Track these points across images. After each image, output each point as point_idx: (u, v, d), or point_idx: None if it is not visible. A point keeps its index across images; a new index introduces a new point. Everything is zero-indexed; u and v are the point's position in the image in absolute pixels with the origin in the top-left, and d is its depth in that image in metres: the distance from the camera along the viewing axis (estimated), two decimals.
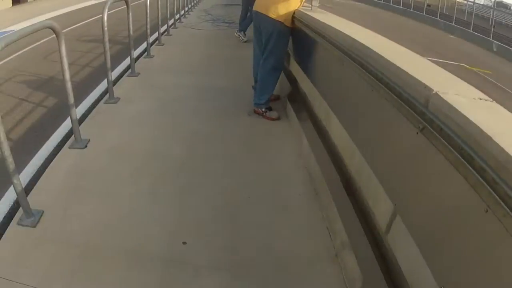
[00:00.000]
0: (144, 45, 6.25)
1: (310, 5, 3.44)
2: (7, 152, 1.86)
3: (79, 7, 19.67)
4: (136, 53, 5.65)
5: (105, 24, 3.74)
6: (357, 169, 2.05)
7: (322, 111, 2.82)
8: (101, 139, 3.06)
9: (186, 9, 10.84)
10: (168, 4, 7.75)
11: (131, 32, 4.82)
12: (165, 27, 7.63)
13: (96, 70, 6.23)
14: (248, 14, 7.24)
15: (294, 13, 3.32)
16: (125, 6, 4.52)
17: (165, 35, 7.32)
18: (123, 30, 9.29)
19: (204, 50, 6.50)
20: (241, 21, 7.41)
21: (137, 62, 5.25)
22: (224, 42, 7.26)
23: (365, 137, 1.93)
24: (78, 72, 6.11)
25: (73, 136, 2.99)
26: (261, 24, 3.44)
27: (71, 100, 2.81)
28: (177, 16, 9.10)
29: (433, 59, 2.88)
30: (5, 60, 7.65)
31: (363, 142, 1.95)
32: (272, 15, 3.29)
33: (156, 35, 7.10)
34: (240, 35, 7.27)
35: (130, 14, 4.75)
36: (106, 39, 3.81)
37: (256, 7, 3.48)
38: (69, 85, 2.78)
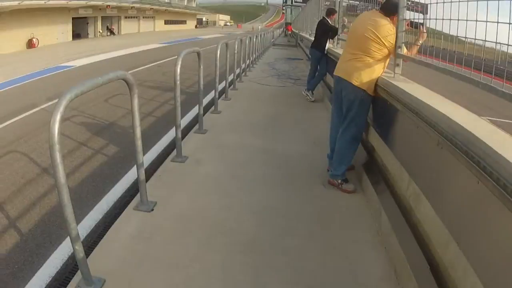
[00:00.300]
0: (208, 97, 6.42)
1: (393, 72, 3.32)
2: (70, 217, 1.82)
3: (140, 49, 21.32)
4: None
5: (178, 77, 3.86)
6: (451, 261, 1.85)
7: (408, 190, 2.62)
8: (168, 203, 3.04)
9: (248, 62, 11.16)
10: (235, 57, 8.02)
11: (201, 86, 4.98)
12: (231, 77, 7.79)
13: (160, 121, 6.46)
14: (317, 73, 7.34)
15: (377, 80, 3.23)
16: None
17: (231, 89, 7.55)
18: (186, 79, 9.85)
19: (272, 108, 6.57)
20: (309, 80, 7.47)
21: (204, 116, 5.30)
22: (291, 100, 7.31)
23: (466, 230, 1.75)
24: (140, 121, 6.43)
25: (138, 195, 2.97)
26: (343, 91, 3.36)
27: (140, 159, 2.78)
28: (242, 69, 9.43)
29: None
30: None
31: (463, 235, 1.76)
32: (355, 82, 3.20)
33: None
34: (308, 94, 7.30)
35: (202, 67, 4.89)
36: (178, 93, 3.93)
37: (338, 72, 3.43)
38: (139, 143, 2.75)
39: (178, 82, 3.83)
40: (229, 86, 7.40)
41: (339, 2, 7.12)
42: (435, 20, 2.81)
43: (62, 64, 15.27)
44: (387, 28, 3.08)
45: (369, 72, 3.17)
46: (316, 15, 11.42)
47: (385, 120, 3.23)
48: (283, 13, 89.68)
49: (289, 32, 42.53)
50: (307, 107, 6.86)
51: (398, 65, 3.32)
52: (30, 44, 32.87)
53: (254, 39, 11.69)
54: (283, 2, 75.11)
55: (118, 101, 7.57)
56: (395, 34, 3.11)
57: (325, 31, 7.06)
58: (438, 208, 2.09)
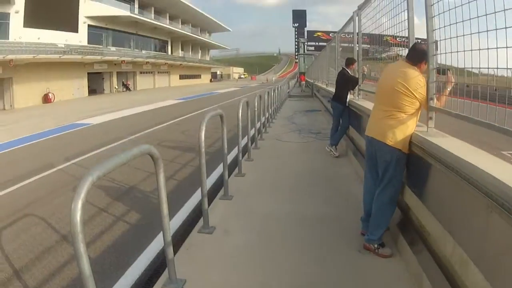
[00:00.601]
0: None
1: (426, 126, 3.24)
2: None
3: (157, 106, 21.78)
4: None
5: (203, 144, 3.84)
6: None
7: (453, 255, 2.46)
8: (199, 281, 2.92)
9: (268, 116, 11.23)
10: (255, 114, 8.05)
11: (225, 150, 4.94)
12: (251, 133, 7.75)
13: (182, 184, 6.41)
14: (340, 126, 7.30)
15: (411, 137, 3.16)
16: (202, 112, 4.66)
17: (253, 148, 7.54)
18: (205, 137, 9.81)
19: (297, 167, 6.50)
20: (332, 134, 7.40)
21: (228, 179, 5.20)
22: (315, 157, 7.24)
23: None
24: None
25: (166, 272, 2.86)
26: (378, 153, 3.29)
27: (168, 237, 2.71)
28: (263, 125, 9.47)
29: None
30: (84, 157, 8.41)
31: None
32: (390, 142, 3.12)
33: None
34: (332, 149, 7.22)
35: (225, 130, 4.86)
36: (203, 160, 3.88)
37: (370, 132, 3.37)
38: (166, 220, 2.69)
39: (203, 150, 3.84)
40: (251, 145, 7.39)
41: (357, 50, 7.11)
42: (444, 55, 2.86)
43: (79, 122, 15.71)
44: (417, 80, 3.03)
45: (403, 129, 3.11)
46: (332, 64, 11.57)
47: (422, 179, 3.11)
48: (296, 62, 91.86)
49: (303, 82, 43.18)
50: (333, 163, 6.78)
51: (431, 118, 3.24)
52: (46, 98, 34.05)
53: (272, 93, 11.83)
54: (295, 52, 77.43)
55: (138, 163, 7.54)
56: (425, 85, 3.07)
57: (346, 82, 7.11)
58: (491, 278, 1.91)
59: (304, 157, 7.31)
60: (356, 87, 7.13)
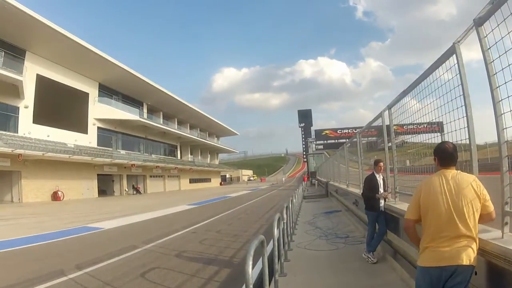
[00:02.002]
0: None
1: (501, 232, 3.02)
2: None
3: (170, 212, 21.29)
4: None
5: (250, 279, 3.30)
6: None
7: None
8: None
9: (292, 225, 10.73)
10: (285, 226, 7.57)
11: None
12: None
13: None
14: (377, 233, 6.86)
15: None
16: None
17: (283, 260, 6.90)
18: (224, 247, 9.40)
19: (334, 280, 5.90)
20: (369, 241, 6.94)
21: None
22: (351, 266, 6.64)
23: None
24: None
25: None
26: (453, 280, 2.82)
27: None
28: (288, 234, 8.88)
29: None
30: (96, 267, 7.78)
31: None
32: (466, 261, 2.78)
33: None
34: (369, 256, 6.73)
35: (266, 256, 4.35)
36: None
37: (436, 261, 2.88)
38: None
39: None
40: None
41: (392, 142, 6.85)
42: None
43: (89, 225, 15.33)
44: (482, 187, 2.92)
45: (475, 243, 2.86)
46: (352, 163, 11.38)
47: None
48: (304, 161, 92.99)
49: (315, 181, 43.10)
50: (373, 271, 6.20)
51: (507, 223, 3.08)
52: (55, 196, 34.24)
53: (294, 200, 11.46)
54: (303, 151, 78.80)
55: (156, 276, 7.06)
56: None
57: (373, 189, 6.94)
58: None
59: (339, 267, 6.65)
60: (387, 191, 6.95)
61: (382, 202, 6.85)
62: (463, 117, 3.77)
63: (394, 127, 6.74)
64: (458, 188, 2.90)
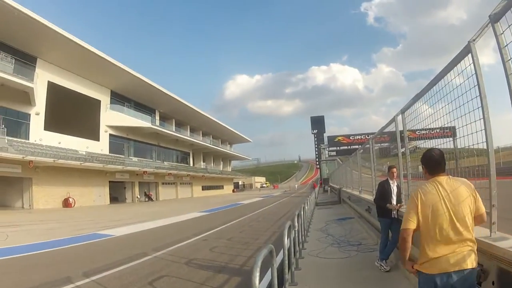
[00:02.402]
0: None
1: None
2: None
3: (181, 219, 21.24)
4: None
5: None
6: None
7: None
8: None
9: (303, 231, 10.54)
10: (297, 234, 7.41)
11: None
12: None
13: None
14: (390, 241, 6.66)
15: None
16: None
17: (294, 269, 6.71)
18: (234, 255, 9.27)
19: None
20: (382, 249, 6.75)
21: None
22: (364, 274, 6.45)
23: None
24: None
25: None
26: (461, 284, 2.81)
27: None
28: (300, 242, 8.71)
29: None
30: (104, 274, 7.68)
31: None
32: (472, 265, 2.83)
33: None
34: (382, 264, 6.55)
35: (275, 266, 4.18)
36: None
37: (448, 267, 2.84)
38: None
39: None
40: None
41: (406, 147, 6.69)
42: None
43: (100, 232, 15.33)
44: (473, 188, 3.01)
45: (475, 245, 2.93)
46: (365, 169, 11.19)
47: None
48: (317, 168, 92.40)
49: (328, 188, 42.72)
50: (385, 280, 6.03)
51: (494, 223, 3.38)
52: (66, 203, 34.48)
53: (306, 207, 11.28)
54: (316, 158, 78.32)
55: (164, 284, 6.99)
56: None
57: (386, 195, 6.79)
58: None
59: (352, 275, 6.47)
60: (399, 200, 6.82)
61: (394, 212, 6.66)
62: (479, 119, 3.63)
63: (407, 132, 6.60)
64: (454, 193, 2.93)
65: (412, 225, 3.00)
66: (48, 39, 31.85)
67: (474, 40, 3.61)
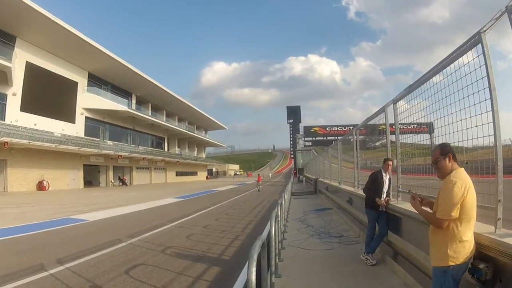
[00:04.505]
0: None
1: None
2: None
3: (156, 205, 21.00)
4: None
5: None
6: None
7: None
8: None
9: (284, 221, 10.34)
10: (279, 226, 7.18)
11: None
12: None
13: None
14: (377, 234, 6.50)
15: None
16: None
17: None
18: (212, 243, 9.05)
19: (334, 284, 5.49)
20: (368, 242, 6.55)
21: None
22: (349, 269, 6.22)
23: None
24: None
25: None
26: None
27: None
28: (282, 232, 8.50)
29: None
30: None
31: None
32: None
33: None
34: (368, 258, 6.35)
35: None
36: None
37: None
38: None
39: None
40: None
41: (397, 139, 6.46)
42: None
43: (74, 217, 14.79)
44: None
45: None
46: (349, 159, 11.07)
47: None
48: (291, 157, 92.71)
49: (303, 178, 42.83)
50: (373, 275, 5.84)
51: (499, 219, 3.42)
52: (40, 186, 33.81)
53: (286, 196, 11.09)
54: (291, 147, 78.38)
55: (141, 273, 6.59)
56: None
57: (378, 186, 6.57)
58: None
59: (337, 269, 6.26)
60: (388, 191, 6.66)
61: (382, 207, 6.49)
62: (486, 112, 3.51)
63: (390, 126, 6.49)
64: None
65: (456, 214, 2.96)
66: (28, 18, 30.69)
67: (485, 31, 3.53)
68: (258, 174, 51.59)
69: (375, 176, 6.74)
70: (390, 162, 6.69)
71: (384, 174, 6.65)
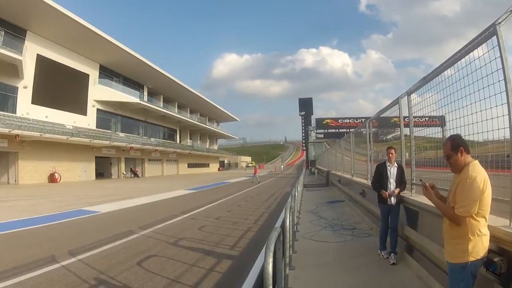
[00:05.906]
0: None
1: None
2: None
3: (168, 196, 21.21)
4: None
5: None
6: None
7: None
8: None
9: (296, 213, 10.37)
10: (293, 217, 7.20)
11: None
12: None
13: None
14: (390, 230, 6.35)
15: None
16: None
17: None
18: (225, 235, 9.15)
19: (349, 279, 5.46)
20: (382, 236, 6.45)
21: None
22: (363, 261, 6.23)
23: None
24: None
25: None
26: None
27: None
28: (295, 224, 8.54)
29: None
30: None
31: None
32: None
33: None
34: (390, 257, 6.07)
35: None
36: None
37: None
38: None
39: None
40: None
41: (410, 131, 6.39)
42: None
43: (86, 208, 15.03)
44: None
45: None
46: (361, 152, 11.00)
47: None
48: (303, 149, 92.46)
49: (315, 170, 42.65)
50: (386, 267, 5.85)
51: None
52: (52, 178, 34.18)
53: (299, 188, 11.11)
54: (302, 139, 78.10)
55: (153, 265, 6.69)
56: None
57: (384, 179, 6.43)
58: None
59: (351, 261, 6.28)
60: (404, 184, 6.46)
61: (392, 198, 6.31)
62: (501, 104, 3.48)
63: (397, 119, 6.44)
64: None
65: (475, 210, 2.93)
66: (38, 11, 30.88)
67: (499, 23, 3.50)
68: (255, 167, 51.51)
69: (377, 168, 6.69)
70: (393, 151, 6.49)
71: (388, 164, 6.48)
